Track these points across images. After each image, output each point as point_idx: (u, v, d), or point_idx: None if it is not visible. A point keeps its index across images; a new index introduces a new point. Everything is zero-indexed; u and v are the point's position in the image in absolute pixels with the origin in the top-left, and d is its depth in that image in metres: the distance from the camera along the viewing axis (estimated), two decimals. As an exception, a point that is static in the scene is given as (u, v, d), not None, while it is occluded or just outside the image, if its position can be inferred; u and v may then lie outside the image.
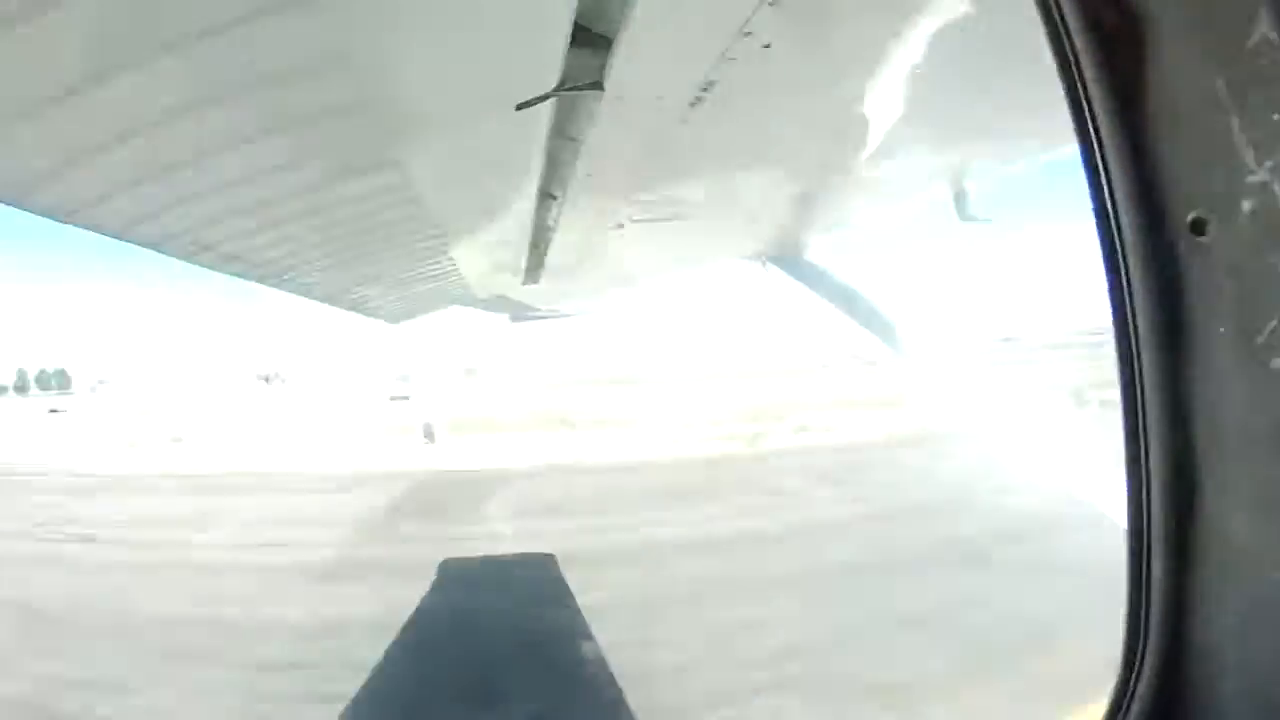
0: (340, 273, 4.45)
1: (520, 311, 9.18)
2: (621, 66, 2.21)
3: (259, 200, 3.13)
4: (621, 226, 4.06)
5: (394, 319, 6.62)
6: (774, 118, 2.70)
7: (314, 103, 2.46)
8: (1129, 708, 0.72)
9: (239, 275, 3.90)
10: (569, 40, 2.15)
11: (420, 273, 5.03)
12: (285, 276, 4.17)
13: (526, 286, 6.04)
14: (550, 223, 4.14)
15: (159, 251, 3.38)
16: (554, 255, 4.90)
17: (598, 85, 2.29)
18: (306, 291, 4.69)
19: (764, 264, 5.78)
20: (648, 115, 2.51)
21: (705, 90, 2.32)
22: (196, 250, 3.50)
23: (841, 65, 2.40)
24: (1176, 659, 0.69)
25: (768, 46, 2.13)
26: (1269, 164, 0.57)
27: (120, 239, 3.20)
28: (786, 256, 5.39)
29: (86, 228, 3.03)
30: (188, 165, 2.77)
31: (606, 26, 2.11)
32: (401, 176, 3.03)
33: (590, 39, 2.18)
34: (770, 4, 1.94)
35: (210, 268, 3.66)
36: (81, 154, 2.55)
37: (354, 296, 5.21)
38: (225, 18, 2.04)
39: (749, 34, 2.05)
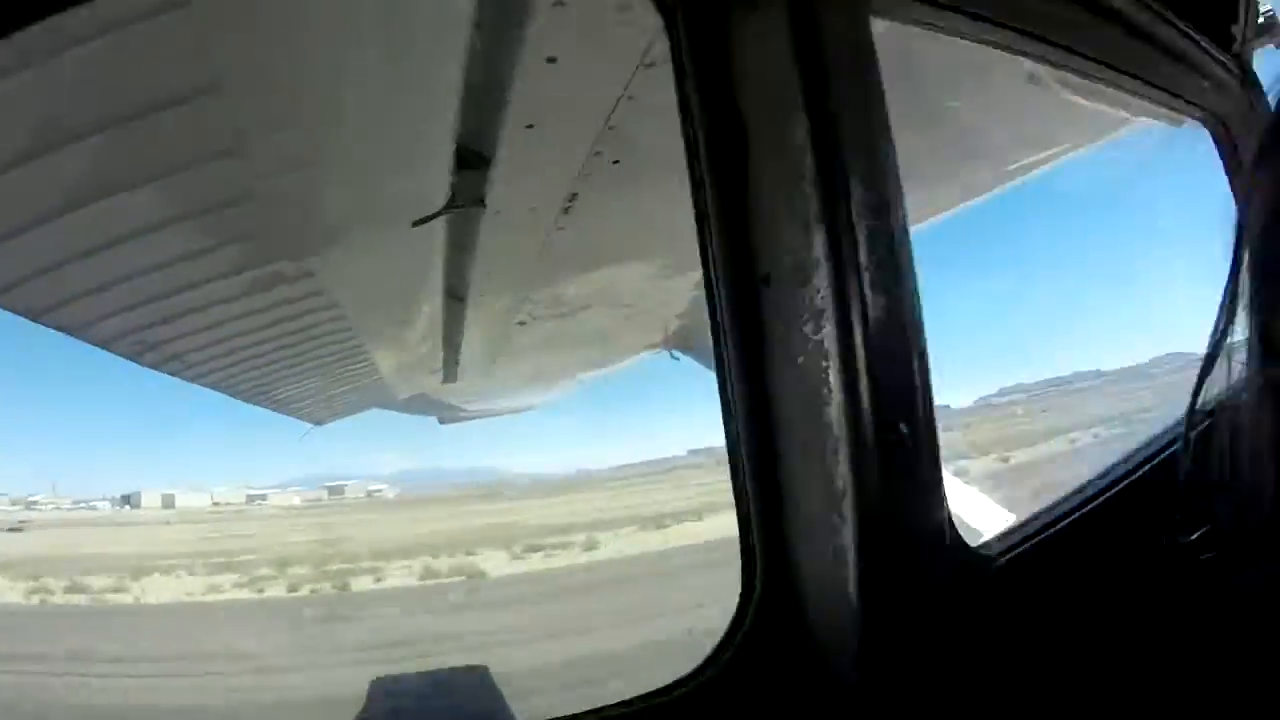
0: (265, 373, 4.76)
1: (447, 413, 9.37)
2: (499, 183, 2.61)
3: (189, 304, 3.50)
4: (524, 323, 4.43)
5: (319, 421, 6.85)
6: (632, 222, 3.11)
7: (241, 223, 2.85)
8: (744, 622, 1.06)
9: (174, 374, 4.23)
10: (454, 162, 2.55)
11: (341, 374, 5.36)
12: (212, 375, 4.50)
13: (447, 385, 6.36)
14: (459, 322, 4.50)
15: (109, 350, 3.72)
16: (468, 353, 5.25)
17: (480, 202, 2.68)
18: (233, 391, 4.99)
19: (672, 354, 6.13)
20: (526, 225, 2.91)
21: (571, 201, 2.73)
22: (141, 350, 3.84)
23: (676, 173, 2.82)
24: (778, 579, 1.03)
25: (616, 163, 2.54)
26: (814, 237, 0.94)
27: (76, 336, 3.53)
28: (689, 347, 5.78)
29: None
30: (135, 274, 3.15)
31: (484, 146, 2.49)
32: (317, 284, 3.40)
33: (471, 159, 2.56)
34: (610, 128, 2.35)
35: (151, 366, 3.99)
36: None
37: (279, 396, 5.49)
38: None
39: (599, 153, 2.46)
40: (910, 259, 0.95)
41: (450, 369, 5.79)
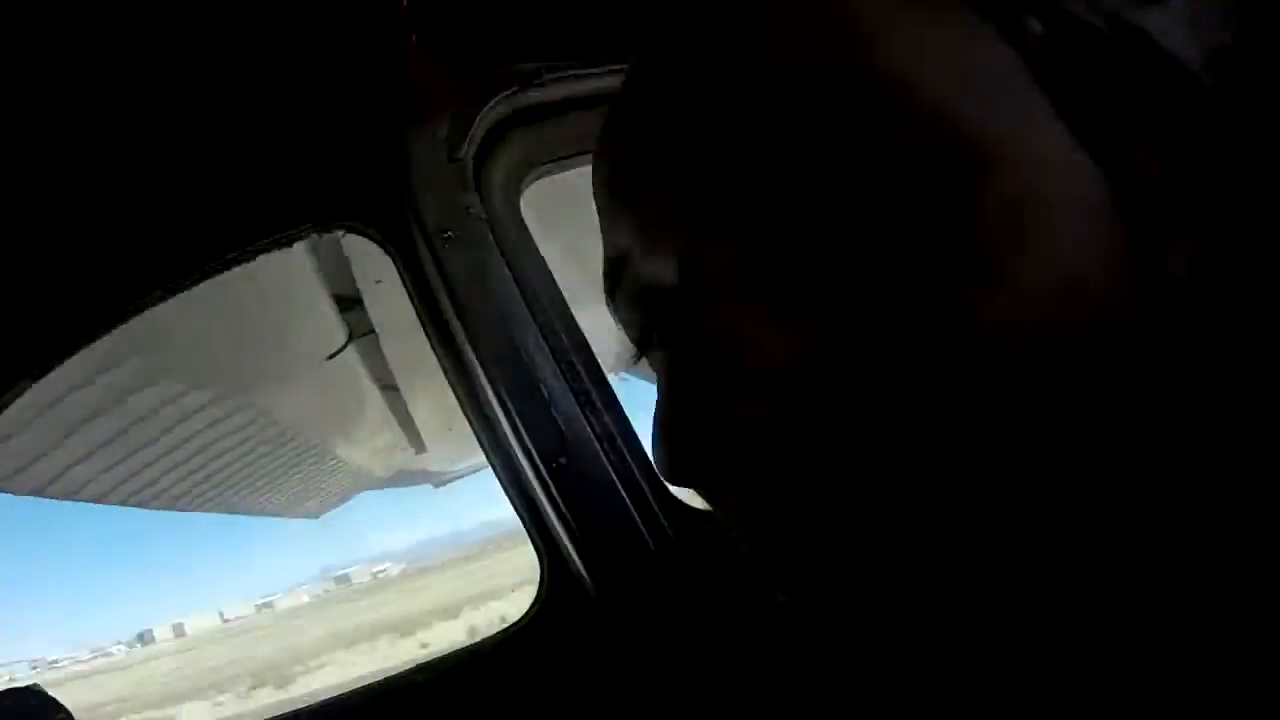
0: (252, 491, 5.53)
1: (436, 478, 9.99)
2: (377, 315, 3.30)
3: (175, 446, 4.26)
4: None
5: (315, 514, 7.57)
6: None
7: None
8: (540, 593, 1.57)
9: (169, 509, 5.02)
10: (336, 306, 3.24)
11: (317, 471, 6.10)
12: (209, 500, 5.29)
13: (420, 456, 7.05)
14: (402, 407, 5.21)
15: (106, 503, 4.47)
16: (424, 428, 5.96)
17: (371, 330, 3.37)
18: (230, 509, 5.77)
19: (621, 377, 6.80)
20: (412, 334, 3.57)
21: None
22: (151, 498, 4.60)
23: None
24: (556, 562, 1.56)
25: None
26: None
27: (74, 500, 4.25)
28: (631, 367, 6.51)
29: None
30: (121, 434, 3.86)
31: (350, 289, 3.21)
32: (275, 419, 4.17)
33: (348, 303, 3.26)
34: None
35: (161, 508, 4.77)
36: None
37: (274, 504, 6.23)
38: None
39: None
40: (539, 370, 1.59)
41: (416, 443, 6.50)
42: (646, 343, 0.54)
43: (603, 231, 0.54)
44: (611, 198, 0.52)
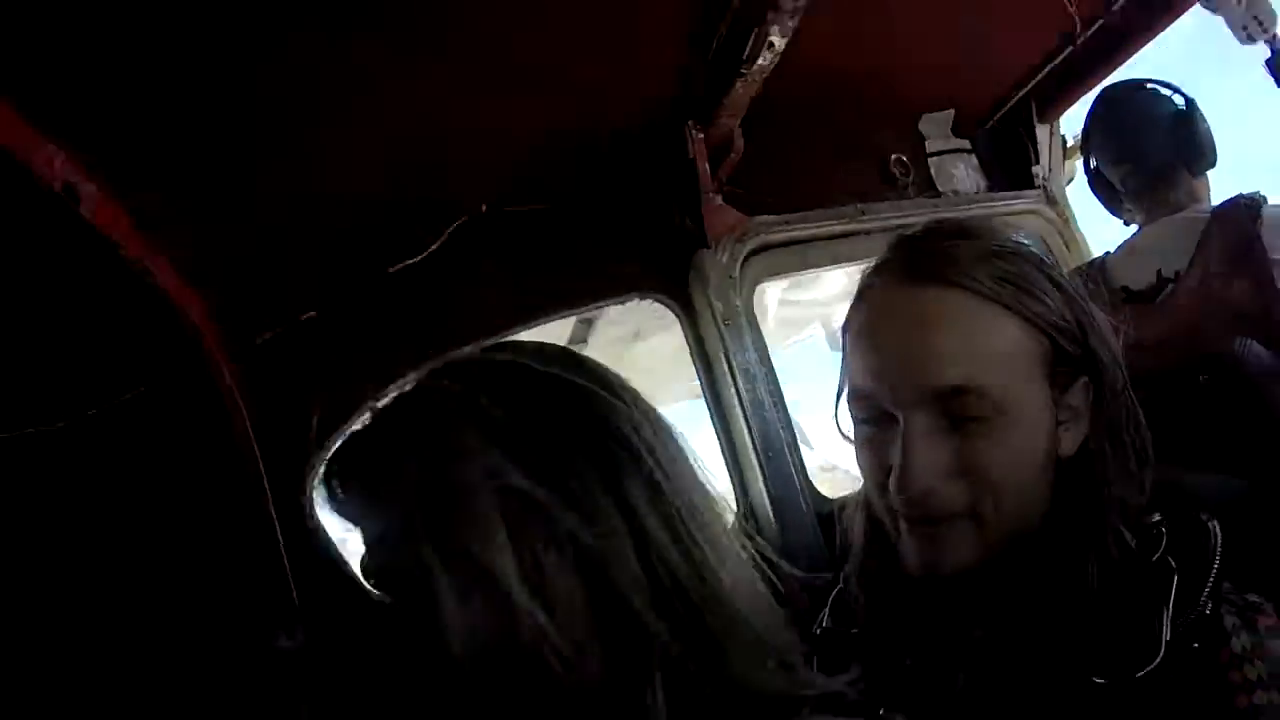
0: None
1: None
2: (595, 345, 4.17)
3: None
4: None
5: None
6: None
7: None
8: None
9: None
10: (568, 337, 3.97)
11: None
12: None
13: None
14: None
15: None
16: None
17: (584, 340, 4.48)
18: None
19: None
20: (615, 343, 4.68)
21: (636, 338, 4.47)
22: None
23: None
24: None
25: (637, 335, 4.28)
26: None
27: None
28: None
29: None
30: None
31: (581, 333, 3.97)
32: None
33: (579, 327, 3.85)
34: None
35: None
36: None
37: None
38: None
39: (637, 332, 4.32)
40: (763, 411, 2.42)
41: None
42: (865, 421, 1.03)
43: (859, 374, 1.03)
44: (868, 371, 1.00)
